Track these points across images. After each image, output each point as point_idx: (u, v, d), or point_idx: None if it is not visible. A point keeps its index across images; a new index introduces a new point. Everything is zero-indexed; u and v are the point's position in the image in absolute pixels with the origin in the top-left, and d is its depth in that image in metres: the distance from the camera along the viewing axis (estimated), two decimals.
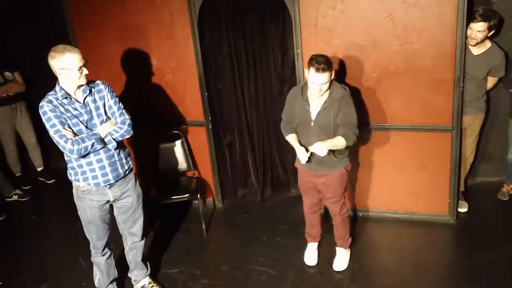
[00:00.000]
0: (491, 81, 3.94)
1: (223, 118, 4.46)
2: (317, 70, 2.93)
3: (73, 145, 2.82)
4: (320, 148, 3.00)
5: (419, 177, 3.94)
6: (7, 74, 4.86)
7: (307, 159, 3.13)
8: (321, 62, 2.93)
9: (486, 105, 4.04)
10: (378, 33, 3.58)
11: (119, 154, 3.08)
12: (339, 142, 3.09)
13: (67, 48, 2.82)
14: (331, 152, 3.14)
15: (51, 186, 5.25)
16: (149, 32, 4.09)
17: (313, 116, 3.14)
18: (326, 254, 3.73)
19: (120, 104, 3.11)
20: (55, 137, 2.83)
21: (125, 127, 3.05)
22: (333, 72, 3.05)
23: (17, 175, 5.25)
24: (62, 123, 2.83)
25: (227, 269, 3.74)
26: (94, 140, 2.88)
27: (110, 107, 3.06)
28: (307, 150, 3.13)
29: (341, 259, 3.62)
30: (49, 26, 4.74)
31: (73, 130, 2.89)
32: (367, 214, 4.21)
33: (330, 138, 3.10)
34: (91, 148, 2.89)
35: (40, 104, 2.87)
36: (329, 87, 3.09)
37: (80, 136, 2.86)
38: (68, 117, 2.87)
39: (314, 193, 3.48)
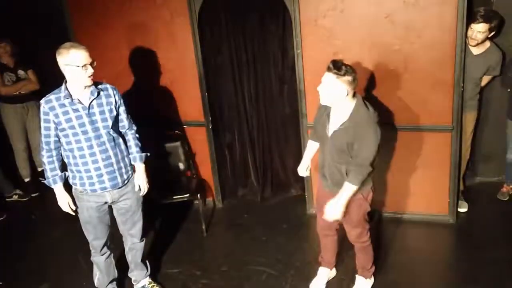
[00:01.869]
0: (486, 79, 3.98)
1: (223, 118, 4.47)
2: (328, 69, 2.69)
3: (43, 156, 3.01)
4: (331, 214, 2.85)
5: (419, 177, 3.94)
6: (21, 72, 4.86)
7: (304, 175, 3.24)
8: (342, 64, 2.69)
9: (479, 103, 4.06)
10: (378, 33, 3.58)
11: (118, 163, 3.06)
12: (348, 190, 2.82)
13: (74, 45, 2.82)
14: (345, 171, 2.85)
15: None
16: (149, 32, 4.09)
17: (330, 134, 2.86)
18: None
19: (127, 114, 3.15)
20: (40, 137, 2.99)
21: (137, 138, 3.23)
22: (347, 83, 2.67)
23: (26, 180, 5.17)
24: (47, 129, 2.92)
25: (227, 269, 3.74)
26: (46, 178, 3.04)
27: (119, 114, 3.09)
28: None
29: None
30: (49, 26, 4.74)
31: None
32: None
33: (341, 160, 2.84)
34: (45, 172, 3.06)
35: (40, 101, 2.90)
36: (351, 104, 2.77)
37: (50, 163, 3.00)
38: (65, 119, 2.87)
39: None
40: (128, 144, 3.19)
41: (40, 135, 2.97)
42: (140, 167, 3.23)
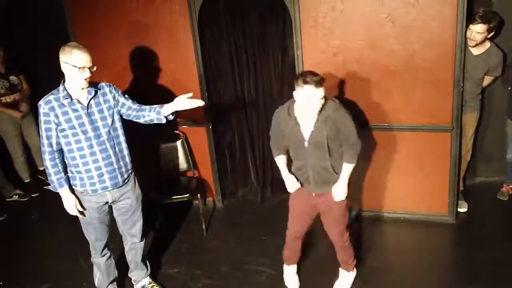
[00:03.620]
0: (487, 80, 3.98)
1: (223, 118, 4.47)
2: (316, 84, 2.75)
3: (45, 160, 2.95)
4: (340, 194, 3.04)
5: (419, 177, 3.95)
6: (13, 78, 4.78)
7: (296, 187, 3.10)
8: (315, 75, 2.79)
9: (481, 104, 4.06)
10: (378, 33, 3.58)
11: (118, 162, 3.06)
12: (348, 170, 3.03)
13: (78, 46, 2.81)
14: (330, 166, 3.00)
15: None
16: (149, 33, 4.09)
17: (307, 136, 2.95)
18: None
19: (129, 98, 3.13)
20: (41, 140, 2.93)
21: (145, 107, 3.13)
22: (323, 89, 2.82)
23: (26, 181, 5.14)
24: (49, 130, 2.87)
25: (227, 269, 3.75)
26: (51, 183, 2.99)
27: (123, 104, 3.07)
28: (296, 178, 3.10)
29: (343, 281, 3.44)
30: (49, 27, 4.74)
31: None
32: (367, 214, 4.21)
33: (325, 155, 2.96)
34: (48, 176, 2.99)
35: (39, 102, 2.88)
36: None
37: (54, 166, 2.95)
38: (64, 120, 2.86)
39: (306, 219, 3.25)
40: (145, 109, 3.10)
41: (41, 138, 2.92)
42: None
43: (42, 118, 2.88)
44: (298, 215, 3.25)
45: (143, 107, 3.12)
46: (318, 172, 3.03)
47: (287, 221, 3.91)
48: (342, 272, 3.46)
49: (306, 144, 2.97)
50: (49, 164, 2.95)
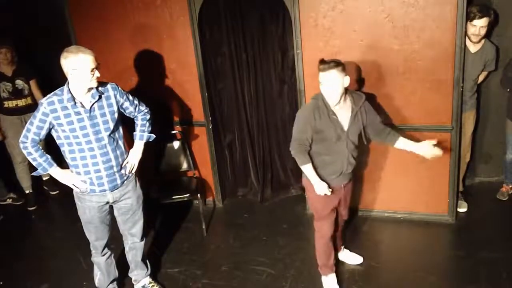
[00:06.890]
0: (482, 75, 4.00)
1: (223, 118, 4.47)
2: (328, 67, 2.84)
3: (27, 148, 2.92)
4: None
5: (419, 177, 3.95)
6: (19, 82, 4.58)
7: (327, 189, 3.03)
8: (328, 61, 2.88)
9: (477, 102, 4.07)
10: (378, 33, 3.59)
11: (118, 165, 3.05)
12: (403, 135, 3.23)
13: (81, 49, 2.78)
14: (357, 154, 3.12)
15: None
16: (149, 32, 4.09)
17: (346, 127, 2.98)
18: None
19: (135, 100, 3.15)
20: (25, 132, 2.91)
21: (146, 119, 3.23)
22: (345, 73, 2.89)
23: (26, 192, 4.91)
24: (40, 128, 2.86)
25: (227, 269, 3.75)
26: (39, 167, 2.98)
27: (127, 108, 3.10)
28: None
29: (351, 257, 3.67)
30: (49, 27, 4.74)
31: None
32: (367, 214, 4.22)
33: (358, 142, 3.08)
34: (34, 161, 2.98)
35: (41, 100, 2.86)
36: (345, 94, 2.95)
37: (38, 150, 2.94)
38: (66, 122, 2.84)
39: (335, 215, 3.27)
40: (135, 124, 3.22)
41: (27, 130, 2.88)
42: (138, 144, 3.23)
43: (38, 116, 2.83)
44: (331, 213, 3.21)
45: (137, 121, 3.23)
46: (352, 162, 3.11)
47: (287, 221, 3.90)
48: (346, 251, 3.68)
49: (345, 137, 2.99)
50: (32, 150, 2.93)
